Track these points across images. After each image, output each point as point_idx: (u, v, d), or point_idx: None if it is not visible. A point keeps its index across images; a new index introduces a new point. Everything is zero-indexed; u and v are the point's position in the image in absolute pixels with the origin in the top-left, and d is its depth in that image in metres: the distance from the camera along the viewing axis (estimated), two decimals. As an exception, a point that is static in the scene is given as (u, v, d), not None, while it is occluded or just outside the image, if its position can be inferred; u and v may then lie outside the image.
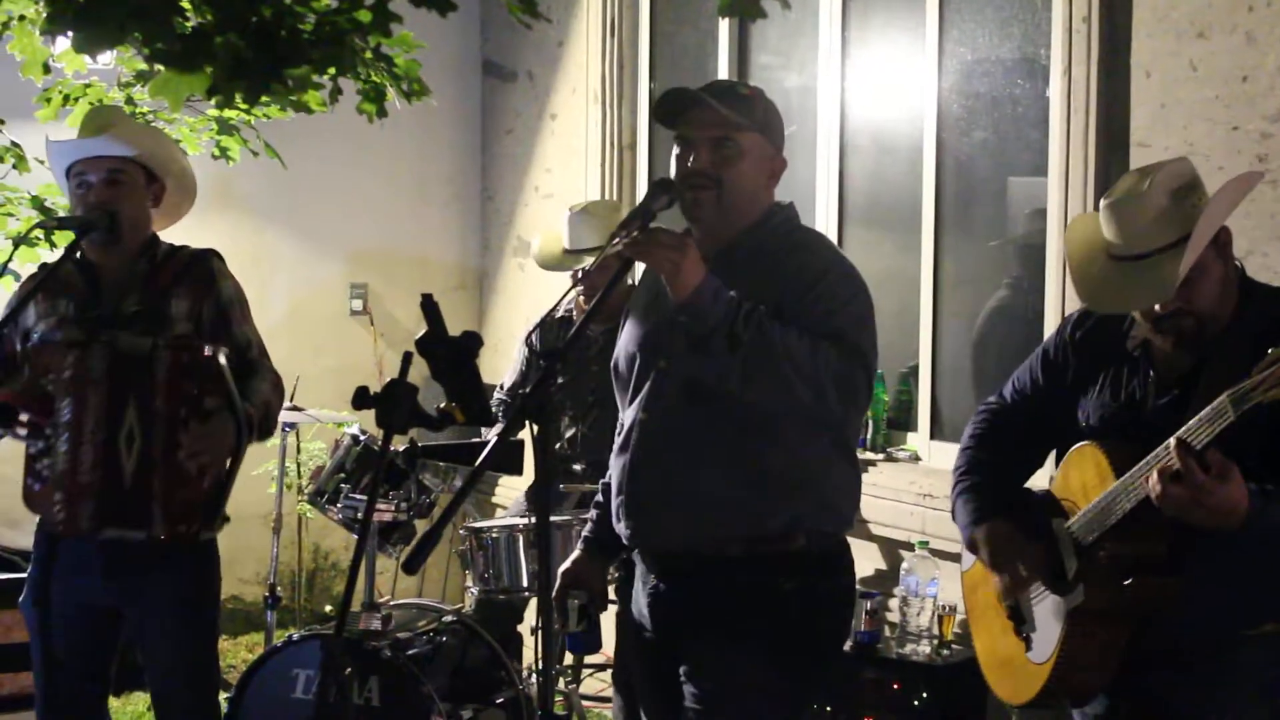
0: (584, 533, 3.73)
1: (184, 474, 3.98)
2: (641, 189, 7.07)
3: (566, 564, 3.65)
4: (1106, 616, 3.15)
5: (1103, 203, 3.20)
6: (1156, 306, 3.11)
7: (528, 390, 2.92)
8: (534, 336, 5.86)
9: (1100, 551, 3.13)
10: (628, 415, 3.49)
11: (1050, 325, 5.01)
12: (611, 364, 3.61)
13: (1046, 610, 3.29)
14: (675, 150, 3.42)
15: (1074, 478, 3.26)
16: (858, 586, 5.20)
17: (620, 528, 3.50)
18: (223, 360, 3.97)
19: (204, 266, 4.24)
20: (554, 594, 3.48)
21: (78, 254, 4.09)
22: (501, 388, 6.13)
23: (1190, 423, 2.89)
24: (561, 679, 5.30)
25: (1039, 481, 3.54)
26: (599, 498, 3.72)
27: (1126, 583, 3.08)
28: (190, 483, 3.99)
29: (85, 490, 4.01)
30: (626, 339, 3.57)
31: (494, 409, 5.86)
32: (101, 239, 4.11)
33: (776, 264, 3.37)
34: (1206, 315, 3.13)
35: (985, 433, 3.57)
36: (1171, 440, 2.90)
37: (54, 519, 4.05)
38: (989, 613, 3.52)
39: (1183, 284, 3.04)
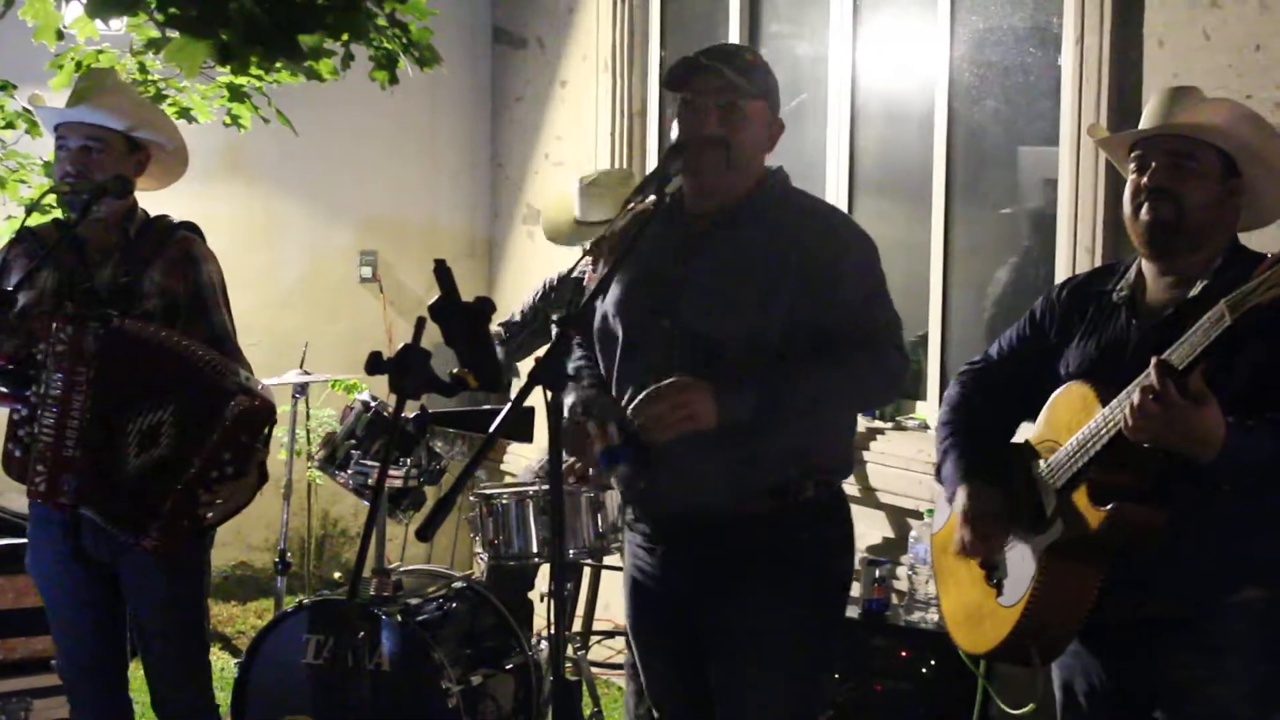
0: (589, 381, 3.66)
1: (197, 513, 3.99)
2: (652, 156, 7.07)
3: (572, 399, 3.56)
4: (1083, 548, 3.12)
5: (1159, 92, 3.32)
6: (1148, 174, 3.17)
7: (542, 358, 2.92)
8: (549, 284, 5.87)
9: (1081, 481, 3.11)
10: (629, 378, 3.46)
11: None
12: (596, 328, 3.60)
13: (1021, 555, 3.26)
14: (680, 113, 3.46)
15: (1060, 416, 3.25)
16: (866, 555, 5.25)
17: (635, 494, 3.51)
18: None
19: (184, 244, 4.20)
20: (574, 425, 3.39)
21: (68, 220, 4.09)
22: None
23: (1188, 333, 2.88)
24: (571, 645, 5.32)
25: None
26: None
27: (1107, 508, 3.04)
28: (194, 515, 3.99)
29: (69, 465, 3.96)
30: (621, 299, 3.55)
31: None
32: (105, 207, 4.09)
33: (783, 227, 3.44)
34: (1189, 215, 3.14)
35: (972, 388, 3.58)
36: (1153, 359, 2.89)
37: (35, 489, 4.02)
38: (959, 569, 3.49)
39: (1177, 165, 3.14)
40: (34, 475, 4.01)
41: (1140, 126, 3.28)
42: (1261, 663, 3.12)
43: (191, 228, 4.29)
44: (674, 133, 3.46)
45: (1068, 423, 3.19)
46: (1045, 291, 3.55)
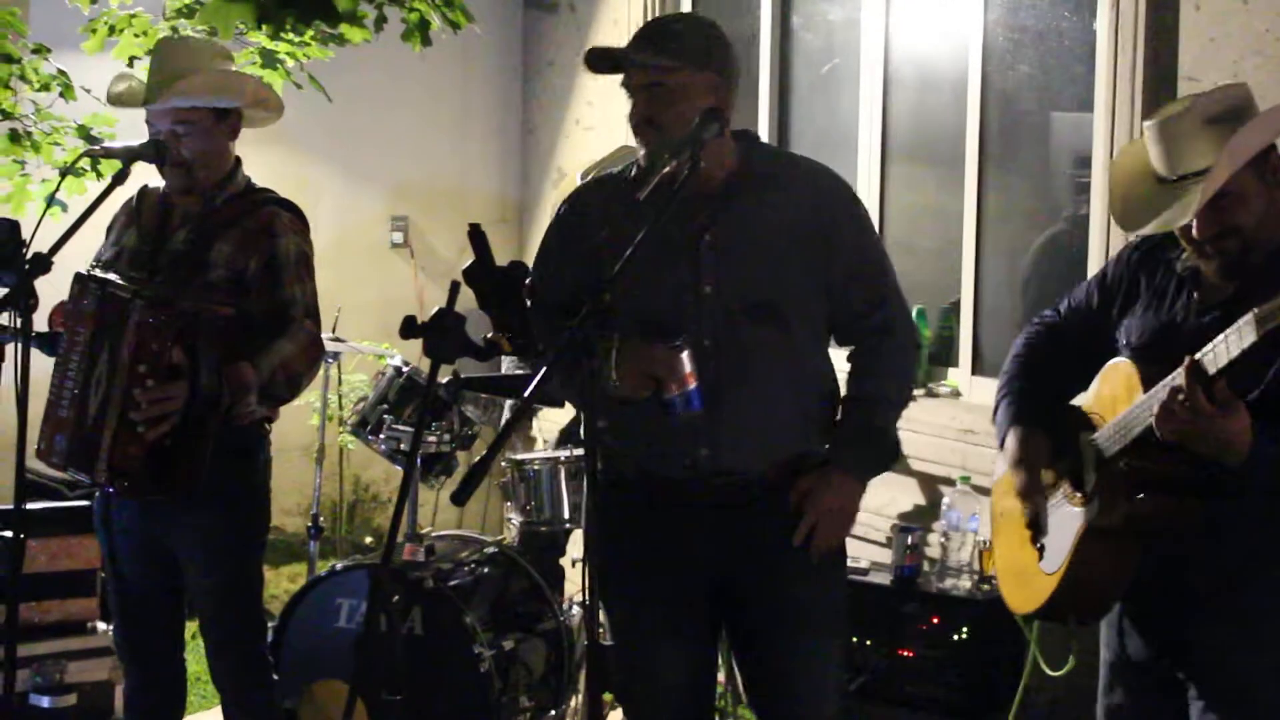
0: None
1: (132, 430, 3.85)
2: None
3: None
4: (1116, 532, 3.13)
5: (1146, 124, 3.19)
6: (1193, 230, 3.07)
7: (574, 324, 2.90)
8: None
9: (1118, 465, 3.11)
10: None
11: (1094, 261, 4.99)
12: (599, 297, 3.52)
13: (1062, 521, 3.28)
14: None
15: (1105, 391, 3.24)
16: (898, 521, 5.25)
17: (678, 462, 3.45)
18: (210, 316, 3.89)
19: (265, 218, 4.14)
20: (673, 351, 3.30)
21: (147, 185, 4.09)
22: None
23: (1214, 341, 2.85)
24: (603, 611, 5.33)
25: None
26: None
27: (1138, 497, 3.06)
28: (137, 439, 3.85)
29: (61, 425, 3.97)
30: (650, 265, 3.37)
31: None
32: (173, 179, 4.11)
33: (791, 192, 3.48)
34: (1253, 239, 3.07)
35: (1037, 344, 3.55)
36: (1186, 359, 2.87)
37: (37, 447, 4.01)
38: (1011, 523, 3.50)
39: (1216, 209, 3.02)
40: (40, 433, 4.01)
41: (1157, 169, 3.16)
42: None
43: (286, 204, 4.25)
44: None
45: (1112, 400, 3.19)
46: (1118, 253, 3.48)
